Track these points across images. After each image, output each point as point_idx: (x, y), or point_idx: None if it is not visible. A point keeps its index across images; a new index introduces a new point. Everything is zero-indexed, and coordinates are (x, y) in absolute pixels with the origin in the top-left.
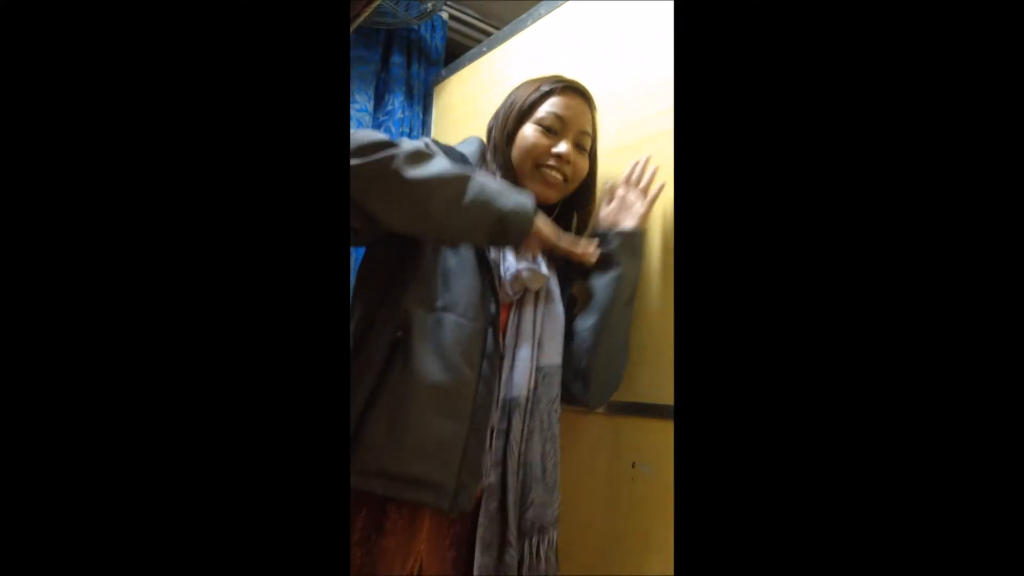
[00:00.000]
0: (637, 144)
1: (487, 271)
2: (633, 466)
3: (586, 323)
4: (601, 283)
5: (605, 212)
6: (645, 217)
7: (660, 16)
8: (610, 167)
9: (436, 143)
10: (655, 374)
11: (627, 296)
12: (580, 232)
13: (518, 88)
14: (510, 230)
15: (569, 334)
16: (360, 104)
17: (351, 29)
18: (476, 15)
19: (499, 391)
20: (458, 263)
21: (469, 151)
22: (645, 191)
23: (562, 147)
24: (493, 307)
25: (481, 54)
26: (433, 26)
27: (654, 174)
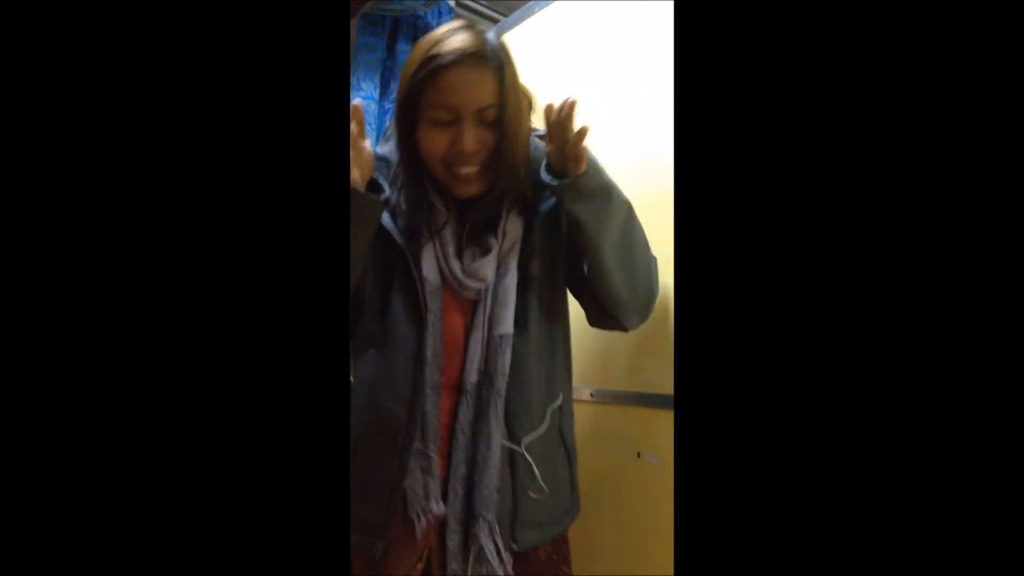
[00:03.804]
0: (645, 133)
1: (411, 293)
2: (638, 456)
3: (587, 269)
4: (573, 236)
5: (552, 152)
6: (578, 162)
7: (666, 6)
8: (616, 159)
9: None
10: (660, 364)
11: (606, 230)
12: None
13: (400, 84)
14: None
15: (582, 275)
16: (366, 91)
17: (357, 16)
18: (483, 2)
19: (425, 413)
20: (385, 290)
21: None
22: (569, 137)
23: (463, 142)
24: (418, 330)
25: None
26: (440, 13)
27: (570, 110)
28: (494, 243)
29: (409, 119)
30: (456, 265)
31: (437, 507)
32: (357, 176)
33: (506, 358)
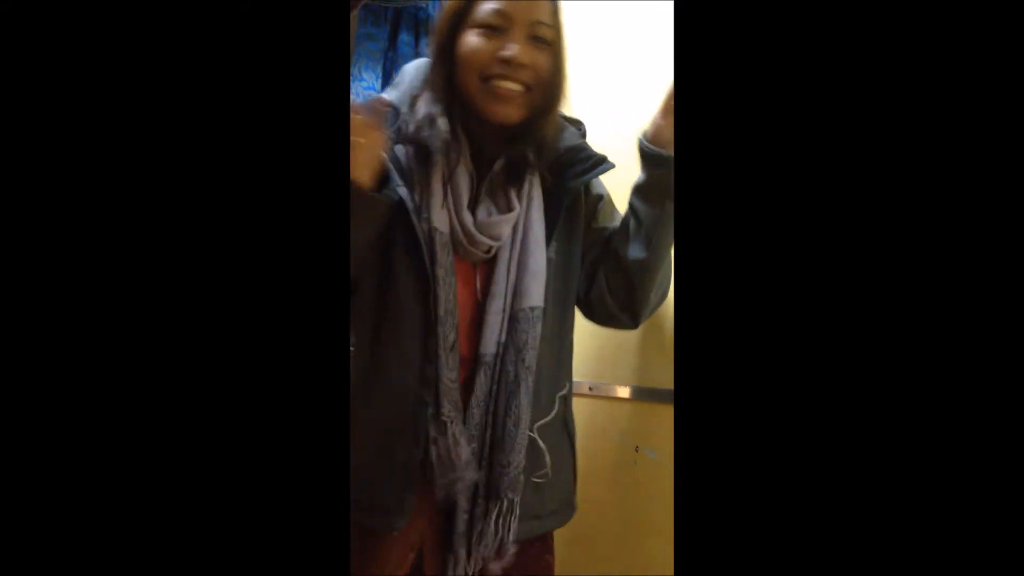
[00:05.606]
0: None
1: (415, 243)
2: (637, 450)
3: (635, 256)
4: (654, 214)
5: (663, 126)
6: None
7: (666, 6)
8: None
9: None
10: (660, 358)
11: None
12: (542, 142)
13: None
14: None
15: (615, 264)
16: (368, 82)
17: (359, 6)
18: None
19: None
20: (386, 245)
21: (406, 82)
22: None
23: (510, 49)
24: (427, 285)
25: None
26: (441, 4)
27: None
28: (516, 203)
29: (453, 26)
30: (468, 218)
31: (472, 474)
32: (365, 172)
33: (537, 332)
